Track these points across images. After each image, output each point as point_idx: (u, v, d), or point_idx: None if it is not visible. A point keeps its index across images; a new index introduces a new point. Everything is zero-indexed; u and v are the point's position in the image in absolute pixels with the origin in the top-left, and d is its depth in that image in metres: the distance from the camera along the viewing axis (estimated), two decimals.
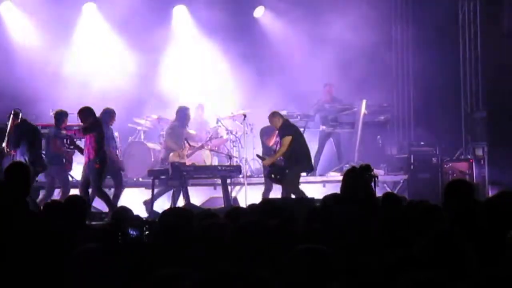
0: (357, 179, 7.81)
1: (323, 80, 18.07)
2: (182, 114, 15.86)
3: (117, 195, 14.67)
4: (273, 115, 14.43)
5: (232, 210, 7.16)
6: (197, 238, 5.39)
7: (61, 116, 14.93)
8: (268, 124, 14.84)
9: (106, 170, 13.74)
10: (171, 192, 15.11)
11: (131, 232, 5.67)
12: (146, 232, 5.69)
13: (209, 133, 17.10)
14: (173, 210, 7.42)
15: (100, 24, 19.35)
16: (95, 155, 13.44)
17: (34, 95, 17.08)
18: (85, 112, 13.74)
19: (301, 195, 13.73)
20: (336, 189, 14.21)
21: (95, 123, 13.64)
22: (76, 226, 6.53)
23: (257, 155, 15.00)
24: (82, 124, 13.79)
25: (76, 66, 18.62)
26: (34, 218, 6.42)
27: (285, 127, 14.32)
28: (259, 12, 20.17)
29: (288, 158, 14.16)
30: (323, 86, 17.97)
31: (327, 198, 8.23)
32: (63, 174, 14.99)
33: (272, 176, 14.32)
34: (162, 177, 14.88)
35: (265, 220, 5.84)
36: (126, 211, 6.98)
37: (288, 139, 14.11)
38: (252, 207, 8.29)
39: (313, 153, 17.33)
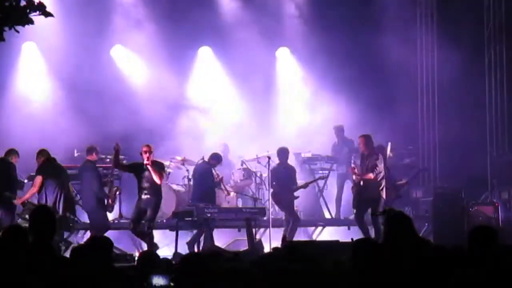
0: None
1: (347, 122, 18.13)
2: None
3: None
4: (40, 153, 14.36)
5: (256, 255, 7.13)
6: (221, 283, 5.38)
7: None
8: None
9: None
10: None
11: (156, 283, 5.64)
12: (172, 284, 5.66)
13: (233, 174, 17.20)
14: (192, 256, 7.29)
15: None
16: None
17: None
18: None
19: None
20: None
21: None
22: (102, 269, 6.53)
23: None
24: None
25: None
26: (59, 263, 6.44)
27: (40, 166, 14.27)
28: (282, 52, 20.34)
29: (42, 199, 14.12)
30: (332, 128, 18.07)
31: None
32: None
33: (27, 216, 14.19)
34: (187, 219, 14.92)
35: (288, 265, 5.83)
36: (152, 256, 6.95)
37: (38, 178, 14.05)
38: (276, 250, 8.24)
39: (333, 196, 17.43)
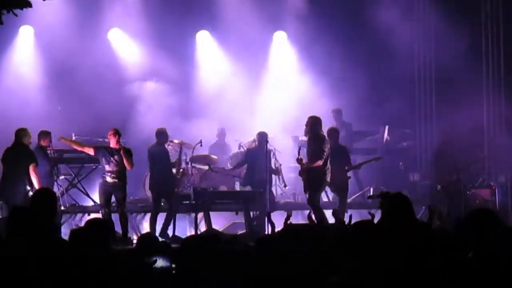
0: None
1: (345, 105, 18.14)
2: None
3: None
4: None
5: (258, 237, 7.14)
6: (222, 265, 5.40)
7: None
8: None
9: None
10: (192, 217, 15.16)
11: (157, 264, 5.67)
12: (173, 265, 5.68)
13: (230, 158, 17.18)
14: (194, 238, 7.30)
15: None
16: None
17: None
18: None
19: None
20: (359, 214, 14.30)
21: None
22: (100, 251, 6.55)
23: None
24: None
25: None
26: (59, 245, 6.47)
27: None
28: (279, 36, 20.30)
29: None
30: (330, 112, 18.02)
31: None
32: None
33: None
34: (184, 202, 14.95)
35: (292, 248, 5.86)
36: (151, 239, 6.96)
37: None
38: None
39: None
